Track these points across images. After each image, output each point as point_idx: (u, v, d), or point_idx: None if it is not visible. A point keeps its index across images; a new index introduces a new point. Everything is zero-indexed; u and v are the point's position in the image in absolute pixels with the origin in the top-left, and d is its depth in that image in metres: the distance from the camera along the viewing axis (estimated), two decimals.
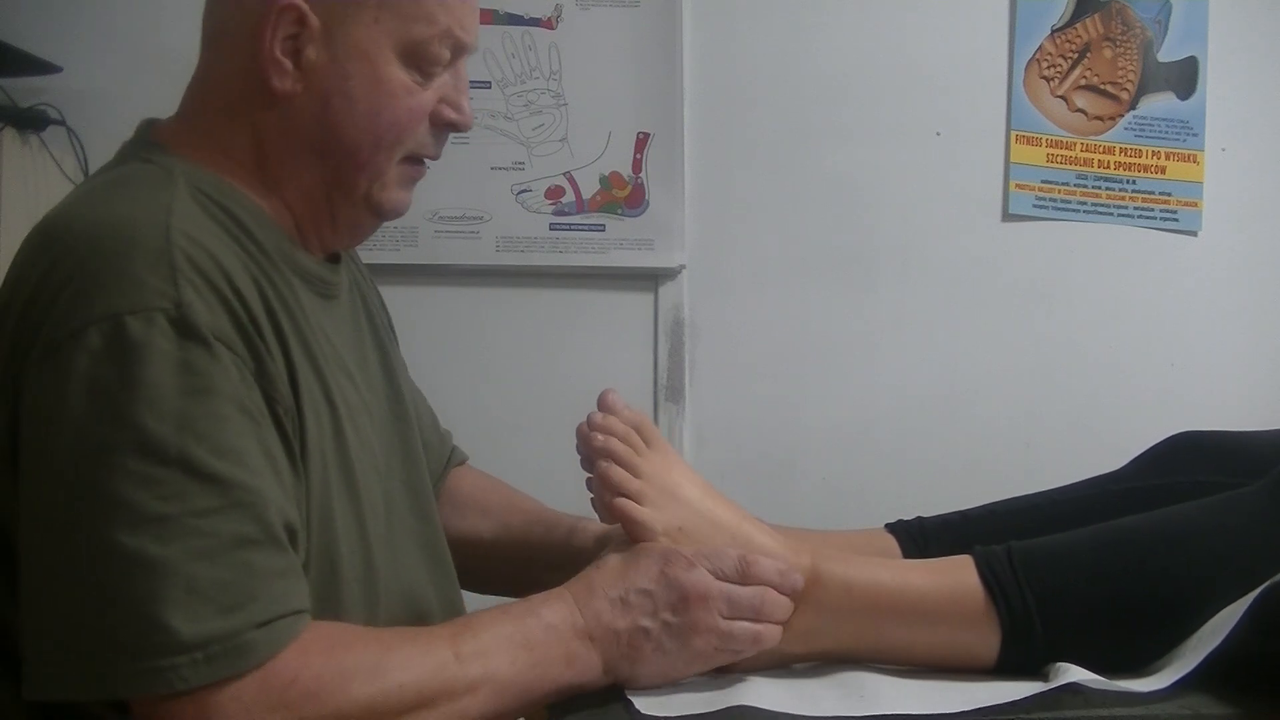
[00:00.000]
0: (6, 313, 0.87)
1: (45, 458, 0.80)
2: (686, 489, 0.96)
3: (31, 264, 0.87)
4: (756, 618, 0.92)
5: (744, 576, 0.92)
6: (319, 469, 0.92)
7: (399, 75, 0.96)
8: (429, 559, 1.09)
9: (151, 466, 0.78)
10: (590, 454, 0.97)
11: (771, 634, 0.93)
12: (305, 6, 0.92)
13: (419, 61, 0.97)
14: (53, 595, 0.79)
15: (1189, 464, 1.18)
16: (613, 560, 0.94)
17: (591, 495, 1.00)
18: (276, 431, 0.87)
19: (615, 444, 0.95)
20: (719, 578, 0.92)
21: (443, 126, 1.01)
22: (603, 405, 0.98)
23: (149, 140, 1.02)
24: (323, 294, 1.02)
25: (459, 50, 1.01)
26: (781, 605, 0.93)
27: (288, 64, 0.94)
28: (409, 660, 0.85)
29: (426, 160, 1.03)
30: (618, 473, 0.94)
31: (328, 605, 0.91)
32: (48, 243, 0.88)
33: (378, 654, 0.85)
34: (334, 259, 1.07)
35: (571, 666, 0.90)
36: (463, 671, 0.86)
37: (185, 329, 0.82)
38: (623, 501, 0.93)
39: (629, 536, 0.95)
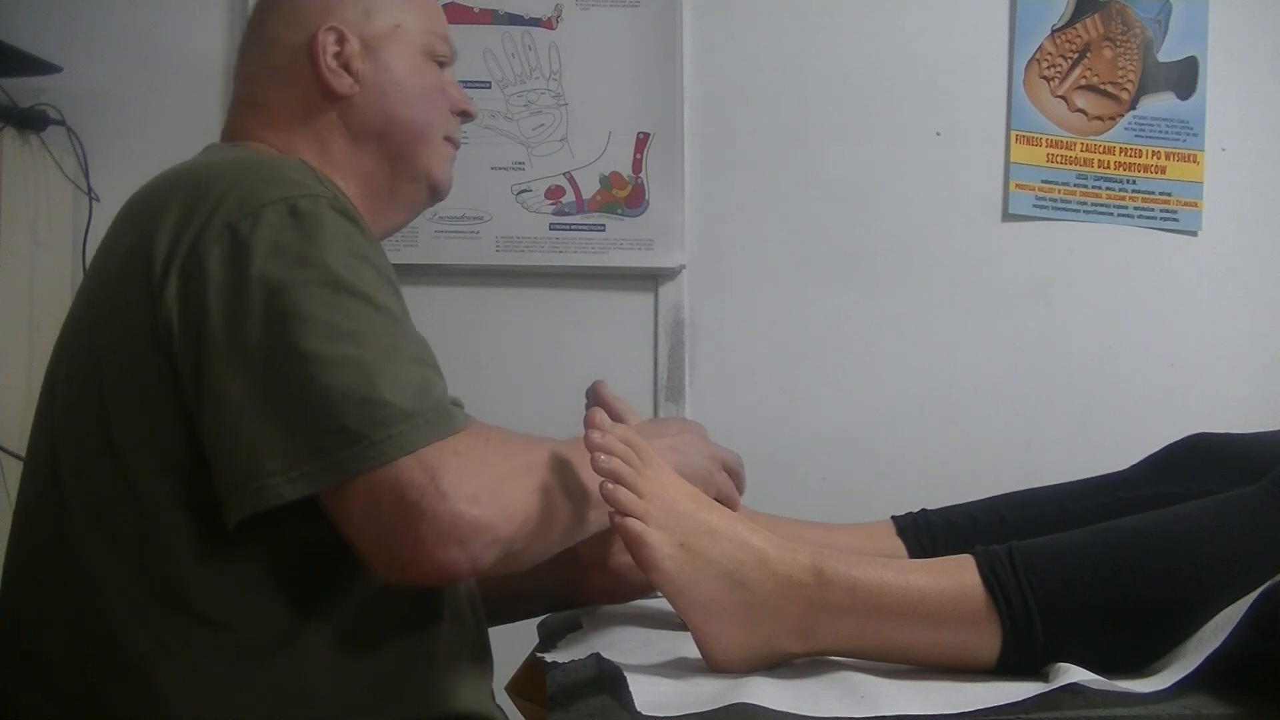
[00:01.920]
0: (149, 237, 0.95)
1: (236, 316, 0.91)
2: (683, 503, 0.97)
3: (169, 195, 0.98)
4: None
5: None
6: None
7: (427, 64, 1.19)
8: None
9: (336, 295, 0.92)
10: (594, 469, 0.97)
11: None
12: (344, 29, 1.14)
13: (433, 58, 1.19)
14: (265, 418, 0.89)
15: (1201, 470, 1.18)
16: None
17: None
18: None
19: (618, 464, 0.96)
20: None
21: (459, 114, 1.22)
22: (592, 425, 0.98)
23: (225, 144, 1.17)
24: None
25: (453, 56, 1.23)
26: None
27: (342, 72, 1.14)
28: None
29: (458, 144, 1.23)
30: (624, 494, 0.95)
31: None
32: (184, 180, 1.00)
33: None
34: None
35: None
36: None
37: (344, 212, 0.97)
38: (631, 522, 0.94)
39: (633, 556, 0.96)
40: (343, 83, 1.13)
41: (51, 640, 0.97)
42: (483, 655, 1.11)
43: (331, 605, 0.97)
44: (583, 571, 1.24)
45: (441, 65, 1.20)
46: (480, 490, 0.90)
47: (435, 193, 1.21)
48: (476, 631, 1.10)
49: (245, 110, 1.17)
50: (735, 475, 1.22)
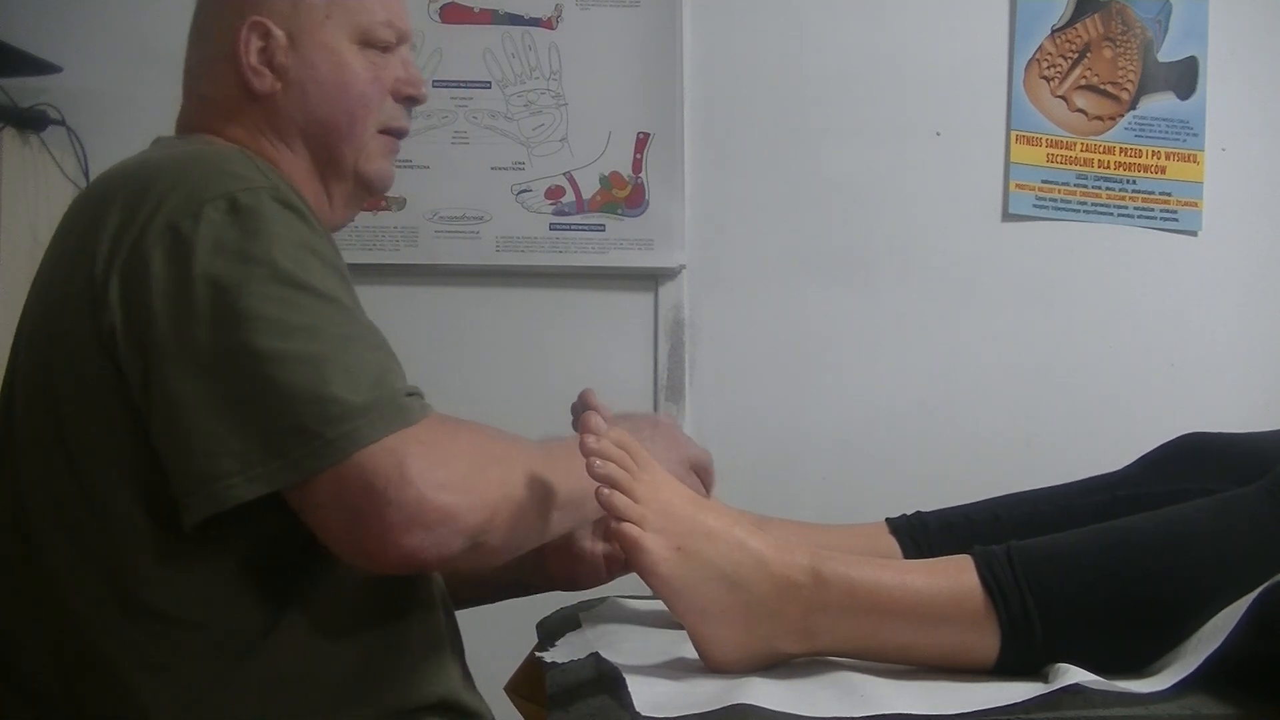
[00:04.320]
0: (92, 238, 0.95)
1: (182, 317, 0.90)
2: (679, 506, 0.97)
3: (111, 195, 0.96)
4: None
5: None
6: None
7: (358, 57, 1.12)
8: None
9: (284, 290, 0.91)
10: (590, 476, 0.97)
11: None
12: (269, 22, 1.09)
13: (371, 44, 1.13)
14: (219, 419, 0.88)
15: (1196, 470, 1.18)
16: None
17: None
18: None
19: (614, 469, 0.96)
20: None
21: (404, 100, 1.16)
22: (586, 428, 0.98)
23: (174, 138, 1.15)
24: None
25: (402, 37, 1.16)
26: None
27: (264, 70, 1.10)
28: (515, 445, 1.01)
29: (401, 133, 1.17)
30: (620, 499, 0.95)
31: None
32: (126, 180, 0.98)
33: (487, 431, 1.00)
34: None
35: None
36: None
37: (286, 202, 0.96)
38: (628, 527, 0.94)
39: (629, 560, 0.96)
40: (264, 82, 1.09)
41: (30, 649, 0.97)
42: (454, 642, 1.10)
43: (301, 599, 0.96)
44: (544, 557, 1.22)
45: (385, 50, 1.13)
46: (448, 478, 0.89)
47: (370, 189, 1.16)
48: (446, 618, 1.10)
49: (190, 101, 1.15)
50: (705, 473, 1.22)
